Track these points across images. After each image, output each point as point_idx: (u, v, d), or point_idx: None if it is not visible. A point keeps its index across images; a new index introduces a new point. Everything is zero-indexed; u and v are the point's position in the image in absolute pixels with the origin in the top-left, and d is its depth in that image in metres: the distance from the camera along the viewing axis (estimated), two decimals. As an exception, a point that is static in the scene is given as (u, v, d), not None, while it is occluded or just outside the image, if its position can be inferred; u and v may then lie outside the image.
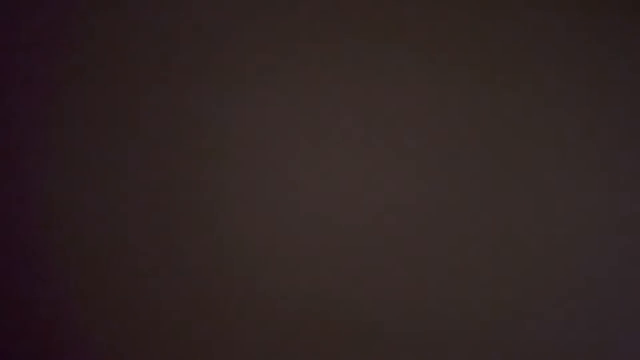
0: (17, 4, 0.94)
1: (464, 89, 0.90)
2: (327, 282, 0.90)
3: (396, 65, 0.90)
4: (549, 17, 0.90)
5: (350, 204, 0.90)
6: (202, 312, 0.91)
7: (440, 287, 0.89)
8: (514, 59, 0.90)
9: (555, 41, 0.89)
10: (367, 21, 0.91)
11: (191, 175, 0.91)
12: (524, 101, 0.89)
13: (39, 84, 0.93)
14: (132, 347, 0.91)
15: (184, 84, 0.92)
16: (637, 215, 0.88)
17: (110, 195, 0.92)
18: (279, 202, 0.91)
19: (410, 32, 0.91)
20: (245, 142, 0.91)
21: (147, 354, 0.91)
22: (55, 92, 0.93)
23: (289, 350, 0.90)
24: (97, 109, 0.93)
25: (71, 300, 0.92)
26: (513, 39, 0.90)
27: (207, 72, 0.92)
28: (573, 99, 0.89)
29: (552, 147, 0.89)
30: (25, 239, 0.92)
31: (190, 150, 0.91)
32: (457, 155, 0.90)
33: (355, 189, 0.90)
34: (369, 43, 0.91)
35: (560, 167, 0.89)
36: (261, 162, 0.91)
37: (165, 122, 0.92)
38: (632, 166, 0.88)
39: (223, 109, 0.92)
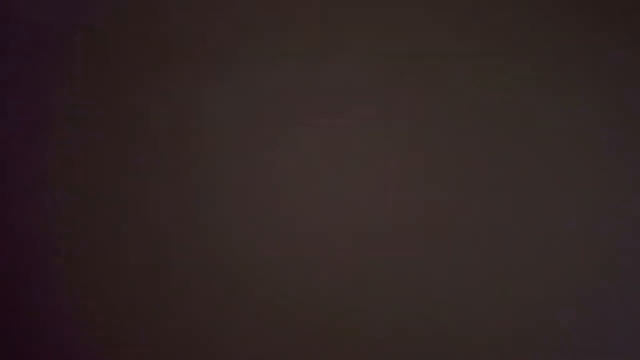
0: (14, 5, 0.94)
1: (465, 90, 0.90)
2: (326, 283, 0.90)
3: (395, 65, 0.91)
4: (549, 16, 0.90)
5: (350, 205, 0.90)
6: (200, 313, 0.91)
7: (441, 289, 0.89)
8: (515, 59, 0.90)
9: (555, 41, 0.90)
10: (364, 16, 0.91)
11: (189, 179, 0.92)
12: (525, 102, 0.89)
13: (34, 84, 0.93)
14: (131, 350, 0.91)
15: (174, 84, 0.92)
16: (638, 215, 0.88)
17: (106, 198, 0.92)
18: (277, 205, 0.91)
19: (410, 29, 0.91)
20: (240, 142, 0.91)
21: (146, 355, 0.91)
22: (51, 92, 0.93)
23: (287, 353, 0.90)
24: (88, 108, 0.93)
25: (71, 302, 0.92)
26: (515, 38, 0.90)
27: (200, 72, 0.92)
28: (574, 98, 0.89)
29: (553, 147, 0.89)
30: (24, 241, 0.92)
31: (185, 150, 0.92)
32: (457, 155, 0.90)
33: (354, 190, 0.90)
34: (368, 41, 0.91)
35: (562, 167, 0.89)
36: (258, 162, 0.91)
37: (158, 124, 0.92)
38: (633, 166, 0.88)
39: (215, 107, 0.92)
